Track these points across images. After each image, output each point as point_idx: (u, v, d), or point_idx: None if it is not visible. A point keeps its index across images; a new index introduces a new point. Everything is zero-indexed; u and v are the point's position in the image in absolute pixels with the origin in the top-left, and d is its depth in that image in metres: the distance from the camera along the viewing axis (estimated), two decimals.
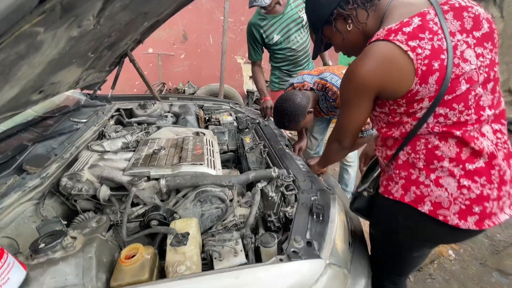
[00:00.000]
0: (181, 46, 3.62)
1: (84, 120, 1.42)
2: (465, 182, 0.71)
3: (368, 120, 1.06)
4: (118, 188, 1.07)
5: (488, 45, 0.69)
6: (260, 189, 1.14)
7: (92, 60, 1.18)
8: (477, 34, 0.68)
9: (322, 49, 0.96)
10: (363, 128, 1.39)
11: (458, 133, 0.70)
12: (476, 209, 0.72)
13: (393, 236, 0.90)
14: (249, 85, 4.00)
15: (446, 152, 0.72)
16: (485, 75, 0.69)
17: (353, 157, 1.94)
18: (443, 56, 0.66)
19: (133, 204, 1.01)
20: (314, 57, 1.08)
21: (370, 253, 1.05)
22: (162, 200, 1.04)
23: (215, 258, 0.78)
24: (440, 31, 0.66)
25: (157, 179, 1.02)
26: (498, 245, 1.85)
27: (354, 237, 1.06)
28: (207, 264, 0.81)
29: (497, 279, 1.61)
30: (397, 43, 0.66)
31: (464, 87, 0.67)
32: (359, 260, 0.96)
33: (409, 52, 0.66)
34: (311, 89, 1.42)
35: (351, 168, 1.96)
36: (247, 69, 3.93)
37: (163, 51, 3.49)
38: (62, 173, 1.04)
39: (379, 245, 1.01)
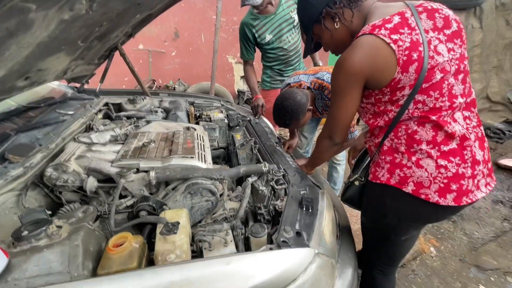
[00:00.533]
0: (173, 44, 3.58)
1: (71, 112, 1.39)
2: (442, 162, 0.79)
3: (353, 122, 1.10)
4: (106, 180, 1.05)
5: (457, 41, 0.79)
6: (251, 184, 1.15)
7: (82, 49, 1.16)
8: (447, 32, 0.78)
9: (313, 48, 1.03)
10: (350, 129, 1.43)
11: (433, 117, 0.78)
12: (454, 186, 0.79)
13: (382, 220, 0.96)
14: (240, 85, 4.01)
15: (423, 136, 0.80)
16: (456, 66, 0.78)
17: (342, 155, 1.98)
18: (420, 49, 0.74)
19: (121, 196, 0.99)
20: (304, 56, 1.14)
21: (361, 245, 1.09)
22: (151, 193, 1.03)
23: (205, 249, 0.78)
24: (417, 28, 0.75)
25: (146, 171, 1.01)
26: (476, 242, 1.93)
27: (342, 232, 1.09)
28: (197, 255, 0.81)
29: (475, 274, 1.69)
30: (381, 36, 0.74)
31: (438, 76, 0.76)
32: (346, 252, 0.99)
33: (392, 44, 0.73)
34: (308, 88, 1.44)
35: (340, 166, 2.00)
36: (238, 69, 3.94)
37: (154, 48, 3.45)
38: (47, 164, 1.01)
39: (370, 233, 1.06)
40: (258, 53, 2.04)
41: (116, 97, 1.88)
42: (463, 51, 0.81)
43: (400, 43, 0.73)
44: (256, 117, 1.85)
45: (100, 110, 1.67)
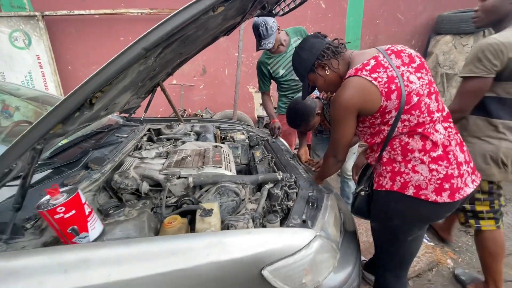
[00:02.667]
0: (201, 78, 4.10)
1: (125, 135, 1.76)
2: (433, 166, 0.98)
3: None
4: (155, 185, 1.35)
5: (423, 71, 1.02)
6: (268, 190, 1.39)
7: (139, 88, 1.54)
8: (413, 65, 1.01)
9: (309, 91, 1.28)
10: None
11: (419, 130, 0.99)
12: (446, 185, 0.97)
13: (389, 223, 1.12)
14: (260, 111, 4.37)
15: (415, 146, 1.00)
16: (427, 90, 1.00)
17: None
18: (396, 81, 0.97)
19: (167, 197, 1.28)
20: (303, 99, 1.36)
21: (367, 256, 1.23)
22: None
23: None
24: (389, 66, 0.98)
25: (185, 177, 1.29)
26: None
27: (347, 231, 1.26)
28: None
29: None
30: (364, 76, 0.98)
31: (415, 98, 0.97)
32: (349, 244, 1.16)
33: (373, 81, 0.97)
34: (317, 97, 1.71)
35: (351, 181, 2.17)
36: (257, 97, 4.34)
37: (185, 82, 3.98)
38: (113, 172, 1.33)
39: (380, 236, 1.21)
40: (274, 84, 2.38)
41: (156, 124, 2.27)
42: (429, 77, 1.04)
43: (380, 79, 0.95)
44: (273, 137, 2.12)
45: (145, 134, 2.04)
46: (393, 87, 0.96)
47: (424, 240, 2.13)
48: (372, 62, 0.99)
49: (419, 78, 0.99)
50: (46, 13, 3.09)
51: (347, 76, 1.03)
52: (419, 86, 0.98)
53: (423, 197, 0.99)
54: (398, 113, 0.97)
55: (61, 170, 1.20)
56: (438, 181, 0.98)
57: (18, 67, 3.17)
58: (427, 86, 1.01)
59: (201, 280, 0.75)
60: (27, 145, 0.70)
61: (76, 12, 3.17)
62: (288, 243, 0.86)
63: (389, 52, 1.02)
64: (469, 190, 1.01)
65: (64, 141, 1.35)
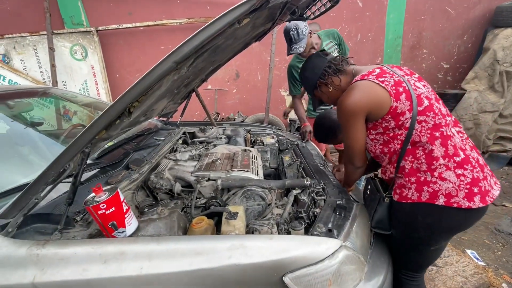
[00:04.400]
0: (234, 83, 4.22)
1: (162, 138, 1.89)
2: (459, 171, 0.92)
3: None
4: (186, 186, 1.43)
5: (425, 82, 1.05)
6: (295, 195, 1.38)
7: (174, 94, 1.65)
8: (415, 76, 1.06)
9: (318, 105, 1.33)
10: None
11: (437, 134, 0.94)
12: (475, 189, 0.91)
13: (414, 234, 1.06)
14: (292, 114, 4.34)
15: (438, 153, 0.94)
16: (434, 96, 1.00)
17: None
18: (403, 84, 0.97)
19: (197, 198, 1.35)
20: (314, 110, 1.40)
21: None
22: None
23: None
24: (394, 74, 1.00)
25: (214, 180, 1.35)
26: None
27: (377, 241, 1.19)
28: None
29: None
30: (371, 79, 0.98)
31: (426, 101, 0.96)
32: (379, 257, 1.10)
33: (381, 84, 0.97)
34: None
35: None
36: (289, 101, 4.31)
37: (219, 87, 4.13)
38: (150, 173, 1.45)
39: (398, 243, 1.14)
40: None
41: (191, 127, 2.40)
42: (432, 89, 1.06)
43: (386, 82, 0.98)
44: (304, 141, 2.09)
45: (180, 137, 2.17)
46: (401, 89, 0.96)
47: (474, 259, 1.91)
48: (377, 70, 1.03)
49: (423, 86, 1.03)
50: (100, 27, 3.48)
51: (353, 81, 1.04)
52: (426, 91, 1.00)
53: (455, 205, 0.93)
54: (413, 114, 0.95)
55: (106, 169, 1.34)
56: (467, 186, 0.93)
57: (76, 76, 3.61)
58: (433, 93, 1.03)
59: (222, 281, 0.78)
60: (78, 149, 0.80)
61: (124, 25, 3.51)
62: (312, 251, 0.84)
63: (390, 66, 1.09)
64: (495, 192, 0.96)
65: (109, 144, 1.51)
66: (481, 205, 0.92)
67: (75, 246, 0.82)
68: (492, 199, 0.94)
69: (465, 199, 0.92)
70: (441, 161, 0.94)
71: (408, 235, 1.08)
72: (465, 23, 4.23)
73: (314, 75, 1.17)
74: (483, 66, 3.77)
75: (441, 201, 0.94)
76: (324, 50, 1.26)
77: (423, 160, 0.96)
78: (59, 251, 0.80)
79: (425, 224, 1.00)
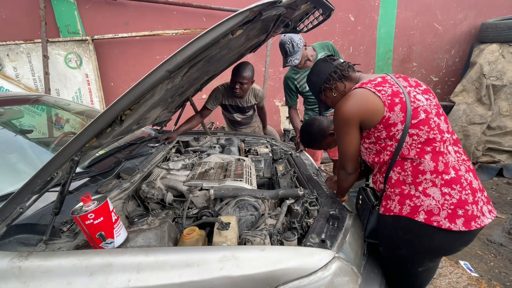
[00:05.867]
0: None
1: (157, 144, 1.88)
2: (446, 189, 0.89)
3: None
4: (178, 196, 1.41)
5: (430, 95, 1.04)
6: (288, 205, 1.37)
7: (168, 103, 1.65)
8: (420, 88, 1.04)
9: (324, 109, 1.34)
10: None
11: (428, 148, 0.92)
12: (460, 212, 0.87)
13: (397, 252, 1.04)
14: (286, 124, 4.37)
15: (426, 167, 0.92)
16: (436, 110, 0.99)
17: None
18: (401, 95, 0.97)
19: (188, 208, 1.32)
20: (320, 114, 1.41)
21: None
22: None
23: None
24: (395, 84, 1.00)
25: (207, 190, 1.33)
26: None
27: (371, 252, 1.18)
28: None
29: None
30: (368, 87, 0.99)
31: (423, 115, 0.95)
32: (373, 269, 1.09)
33: (376, 93, 0.97)
34: None
35: None
36: (283, 111, 4.35)
37: None
38: (142, 182, 1.43)
39: (388, 262, 1.12)
40: (300, 98, 2.38)
41: (184, 136, 2.38)
42: (437, 102, 1.05)
43: (383, 92, 0.98)
44: (298, 151, 2.10)
45: (173, 146, 2.16)
46: (397, 100, 0.96)
47: (467, 270, 1.91)
48: (379, 79, 1.04)
49: (426, 99, 1.01)
50: (96, 36, 3.49)
51: (352, 89, 1.06)
52: (427, 105, 0.98)
53: (435, 223, 0.89)
54: (405, 126, 0.94)
55: (97, 178, 1.32)
56: (451, 206, 0.88)
57: (70, 84, 3.59)
58: (435, 107, 1.01)
59: None
60: (66, 157, 0.79)
61: (120, 35, 3.53)
62: (304, 263, 0.83)
63: (397, 76, 1.08)
64: (486, 220, 0.90)
65: (101, 152, 1.49)
66: (463, 228, 0.87)
67: (59, 258, 0.78)
68: (479, 225, 0.88)
69: (447, 219, 0.88)
70: (428, 176, 0.92)
71: (393, 253, 1.06)
72: (452, 39, 4.39)
73: (320, 80, 1.19)
74: (470, 79, 3.89)
75: (421, 217, 0.91)
76: (332, 55, 1.28)
77: (409, 173, 0.95)
78: (43, 263, 0.77)
79: (406, 241, 0.98)
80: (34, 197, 0.84)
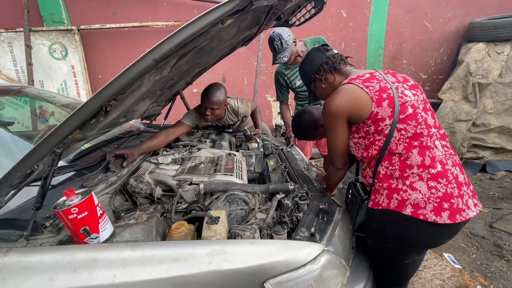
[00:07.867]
0: None
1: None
2: (432, 183, 0.91)
3: None
4: (168, 190, 1.38)
5: (417, 90, 1.05)
6: (279, 200, 1.37)
7: (158, 96, 1.61)
8: (408, 84, 1.06)
9: (313, 99, 1.35)
10: None
11: (416, 143, 0.94)
12: (446, 205, 0.89)
13: (385, 245, 1.06)
14: (278, 120, 4.37)
15: (414, 161, 0.94)
16: (423, 105, 1.00)
17: None
18: (389, 91, 0.98)
19: (178, 203, 1.30)
20: (309, 104, 1.41)
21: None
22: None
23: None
24: (383, 80, 1.01)
25: (197, 184, 1.31)
26: None
27: (359, 245, 1.20)
28: None
29: None
30: (356, 83, 1.00)
31: (410, 110, 0.96)
32: (361, 262, 1.10)
33: (364, 88, 0.98)
34: None
35: None
36: (275, 106, 4.34)
37: None
38: (130, 176, 1.39)
39: (376, 255, 1.14)
40: (292, 93, 2.37)
41: None
42: (424, 97, 1.06)
43: (371, 87, 0.99)
44: (289, 146, 2.10)
45: None
46: (385, 95, 0.97)
47: (451, 262, 1.97)
48: (367, 75, 1.04)
49: (414, 94, 1.02)
50: (82, 27, 3.37)
51: (341, 84, 1.06)
52: (414, 100, 1.00)
53: (421, 216, 0.90)
54: (393, 121, 0.96)
55: (83, 172, 1.27)
56: (437, 200, 0.90)
57: (55, 76, 3.46)
58: (423, 102, 1.02)
59: None
60: (48, 149, 0.75)
61: (108, 25, 3.42)
62: (293, 256, 0.83)
63: (385, 72, 1.09)
64: (471, 213, 0.92)
65: (86, 145, 1.44)
66: (448, 221, 0.88)
67: (41, 254, 0.76)
68: (464, 218, 0.90)
69: (432, 212, 0.90)
70: (415, 170, 0.93)
71: (381, 246, 1.08)
72: (441, 37, 4.47)
73: (311, 69, 1.18)
74: (457, 77, 3.98)
75: (408, 210, 0.92)
76: (326, 45, 1.27)
77: (397, 167, 0.96)
78: (23, 259, 0.74)
79: (394, 234, 0.99)
80: (13, 191, 0.80)
